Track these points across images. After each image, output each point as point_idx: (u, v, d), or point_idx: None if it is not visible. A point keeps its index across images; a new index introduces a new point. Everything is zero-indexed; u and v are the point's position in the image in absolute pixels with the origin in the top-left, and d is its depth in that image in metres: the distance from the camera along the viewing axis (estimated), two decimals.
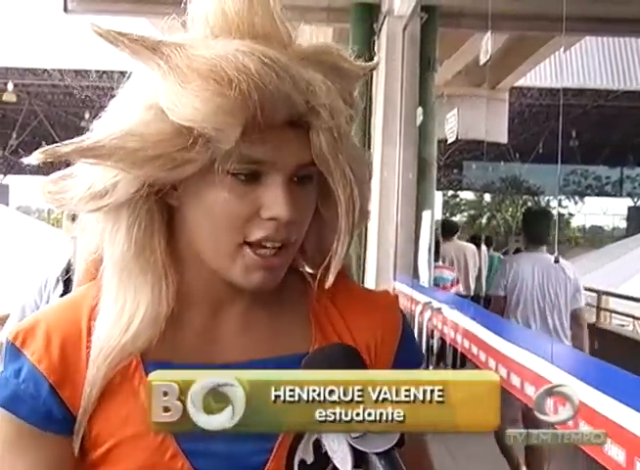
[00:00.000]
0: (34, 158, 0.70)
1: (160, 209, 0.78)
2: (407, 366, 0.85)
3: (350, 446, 0.60)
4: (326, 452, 0.64)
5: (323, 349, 0.70)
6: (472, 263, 6.85)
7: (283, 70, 0.70)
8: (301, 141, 0.74)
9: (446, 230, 6.85)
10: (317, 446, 0.76)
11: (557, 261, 3.89)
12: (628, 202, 27.76)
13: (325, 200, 0.80)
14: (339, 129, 0.75)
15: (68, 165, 0.77)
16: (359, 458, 0.60)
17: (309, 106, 0.73)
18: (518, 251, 6.34)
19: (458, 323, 4.14)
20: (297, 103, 0.72)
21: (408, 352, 0.88)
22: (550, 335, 3.65)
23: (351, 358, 0.68)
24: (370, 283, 5.75)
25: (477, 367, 3.59)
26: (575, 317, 3.82)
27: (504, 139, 10.38)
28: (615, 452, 1.91)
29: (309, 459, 0.77)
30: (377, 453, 0.60)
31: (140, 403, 0.76)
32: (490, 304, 4.15)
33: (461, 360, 4.92)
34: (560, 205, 25.40)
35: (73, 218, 0.94)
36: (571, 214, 27.87)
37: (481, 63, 4.92)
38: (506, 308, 3.92)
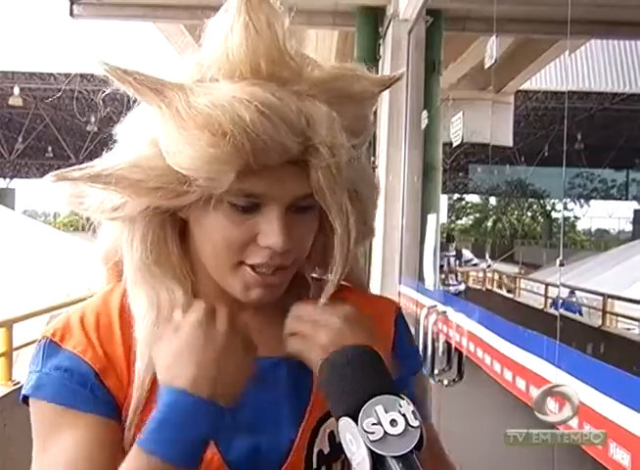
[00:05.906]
0: (48, 180, 0.74)
1: (173, 219, 0.81)
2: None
3: (369, 449, 0.60)
4: (340, 443, 0.67)
5: (332, 357, 0.71)
6: None
7: (279, 118, 0.70)
8: (299, 175, 0.75)
9: None
10: (332, 437, 0.82)
11: (562, 265, 4.30)
12: (634, 205, 27.70)
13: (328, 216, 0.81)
14: (338, 165, 0.75)
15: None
16: (377, 461, 0.61)
17: (308, 143, 0.73)
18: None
19: (463, 326, 4.16)
20: (292, 148, 0.72)
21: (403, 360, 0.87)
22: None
23: (367, 358, 0.70)
24: (375, 286, 5.74)
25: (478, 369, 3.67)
26: None
27: (509, 142, 10.36)
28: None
29: (326, 450, 0.82)
30: (395, 457, 0.60)
31: None
32: None
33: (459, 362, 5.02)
34: (565, 208, 25.37)
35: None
36: (576, 218, 27.83)
37: (487, 66, 4.91)
38: None
